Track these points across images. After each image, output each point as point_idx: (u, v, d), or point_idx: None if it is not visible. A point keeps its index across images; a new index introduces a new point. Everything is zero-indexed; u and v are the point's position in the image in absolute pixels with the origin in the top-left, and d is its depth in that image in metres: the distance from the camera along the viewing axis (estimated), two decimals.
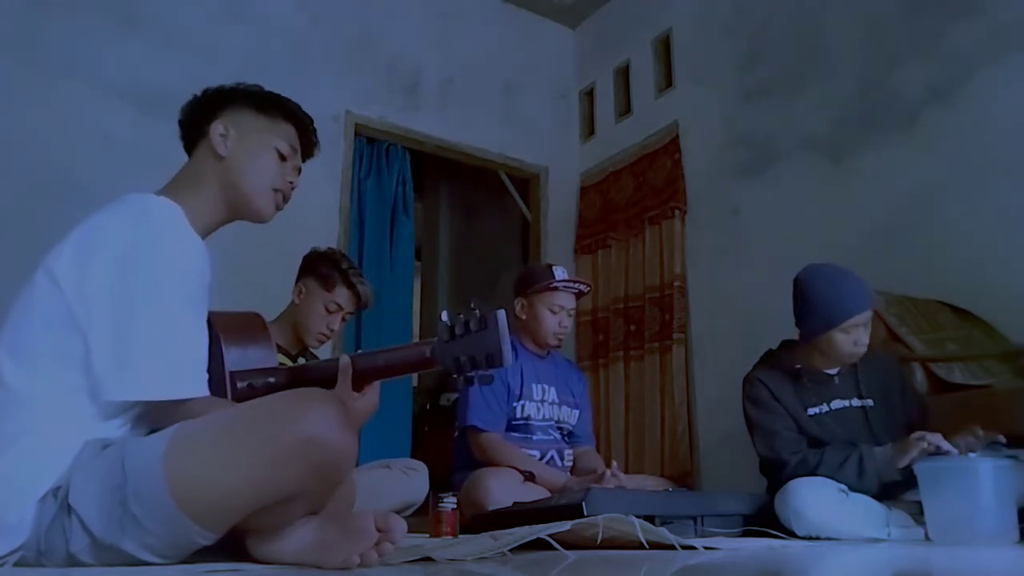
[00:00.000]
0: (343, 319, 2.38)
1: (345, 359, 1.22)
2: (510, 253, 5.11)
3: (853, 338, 2.10)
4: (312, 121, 1.46)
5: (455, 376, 1.13)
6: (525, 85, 4.44)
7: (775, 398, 2.18)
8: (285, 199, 1.42)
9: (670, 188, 3.83)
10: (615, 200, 4.19)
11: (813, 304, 2.12)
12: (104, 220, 1.19)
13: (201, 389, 1.16)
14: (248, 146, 1.36)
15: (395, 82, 3.96)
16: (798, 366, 2.21)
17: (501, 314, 1.10)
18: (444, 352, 1.13)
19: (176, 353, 1.15)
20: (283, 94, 1.45)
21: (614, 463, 2.32)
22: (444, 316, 1.15)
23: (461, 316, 1.12)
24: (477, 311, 1.11)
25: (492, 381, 1.14)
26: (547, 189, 4.45)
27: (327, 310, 2.33)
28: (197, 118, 1.38)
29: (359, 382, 1.24)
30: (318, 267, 2.37)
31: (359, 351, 1.25)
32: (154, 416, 1.18)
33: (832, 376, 2.22)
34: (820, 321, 2.11)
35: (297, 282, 2.40)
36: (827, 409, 2.18)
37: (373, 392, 1.25)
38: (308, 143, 1.46)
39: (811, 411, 2.18)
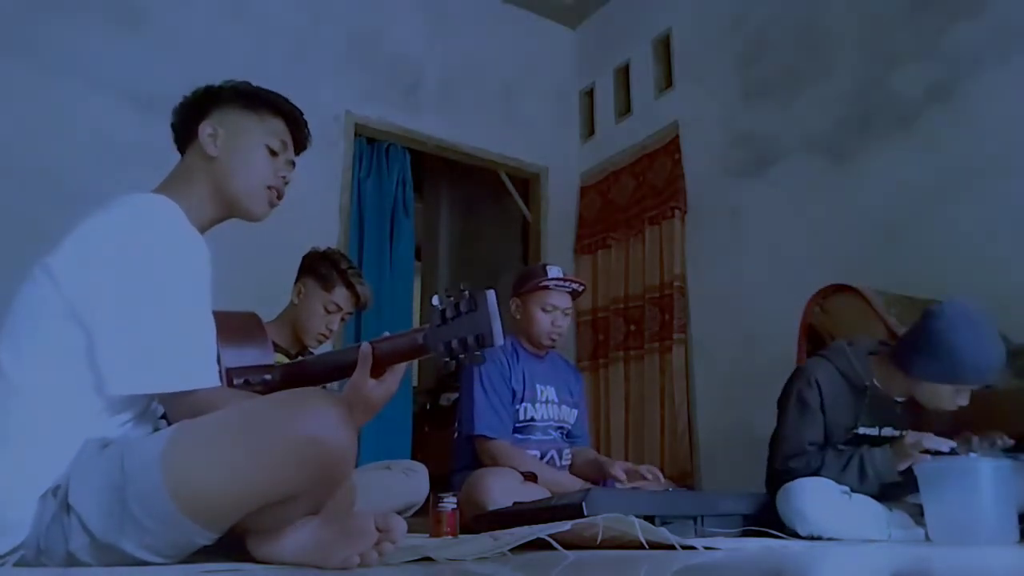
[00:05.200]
0: (342, 319, 2.38)
1: (366, 346, 1.18)
2: (510, 253, 5.11)
3: (958, 397, 1.96)
4: (302, 114, 1.45)
5: (446, 360, 1.11)
6: (525, 85, 4.44)
7: (822, 407, 2.06)
8: (279, 196, 1.40)
9: (670, 188, 3.83)
10: (615, 200, 4.19)
11: (945, 351, 1.90)
12: (104, 218, 1.19)
13: (211, 379, 1.16)
14: (238, 145, 1.35)
15: (395, 82, 3.96)
16: (866, 384, 2.07)
17: (491, 293, 1.09)
18: (436, 338, 1.11)
19: (183, 344, 1.15)
20: (283, 94, 1.45)
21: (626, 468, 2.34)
22: (435, 300, 1.13)
23: (451, 298, 1.11)
24: (466, 292, 1.11)
25: (483, 361, 1.12)
26: (547, 189, 4.45)
27: (326, 310, 2.33)
28: (187, 120, 1.38)
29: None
30: (317, 267, 2.37)
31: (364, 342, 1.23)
32: (169, 411, 1.18)
33: (897, 403, 2.10)
34: (942, 371, 1.92)
35: (296, 282, 2.40)
36: (878, 433, 2.09)
37: (393, 378, 1.19)
38: (299, 136, 1.44)
39: (863, 430, 2.08)
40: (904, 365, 2.01)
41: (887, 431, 2.09)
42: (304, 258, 2.44)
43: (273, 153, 1.38)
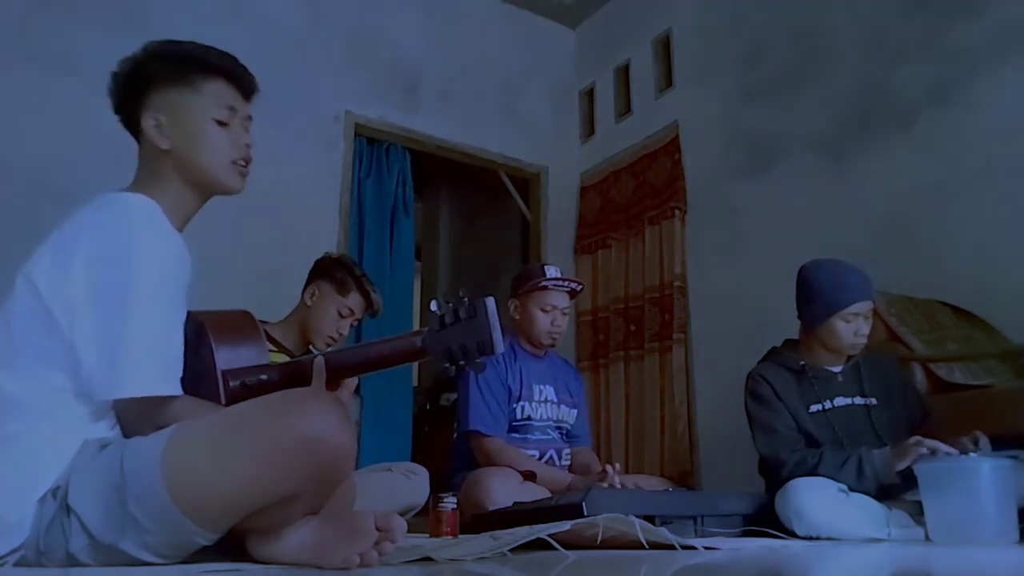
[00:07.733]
0: (352, 324, 2.40)
1: (320, 360, 1.21)
2: (510, 253, 5.11)
3: (854, 327, 2.14)
4: (235, 59, 1.33)
5: (447, 366, 1.12)
6: (525, 85, 4.44)
7: (777, 395, 2.19)
8: (246, 163, 1.32)
9: (670, 188, 3.83)
10: (615, 200, 4.19)
11: (816, 291, 2.17)
12: (81, 221, 1.18)
13: (176, 389, 1.15)
14: (185, 129, 1.27)
15: (395, 82, 3.96)
16: (802, 363, 2.23)
17: (490, 301, 1.10)
18: (435, 342, 1.12)
19: (157, 352, 1.14)
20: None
21: (616, 465, 2.32)
22: (433, 305, 1.14)
23: (451, 305, 1.12)
24: (466, 299, 1.11)
25: (484, 369, 1.13)
26: (547, 189, 4.45)
27: (339, 314, 2.35)
28: (126, 108, 1.30)
29: (340, 377, 1.25)
30: (332, 271, 2.38)
31: (335, 348, 1.25)
32: (132, 417, 1.15)
33: (835, 374, 2.24)
34: (822, 308, 2.15)
35: (309, 284, 2.40)
36: (829, 406, 2.19)
37: (345, 389, 1.26)
38: (244, 87, 1.33)
39: (813, 408, 2.19)
40: (804, 327, 2.25)
41: (839, 401, 2.20)
42: (317, 262, 2.45)
43: (223, 124, 1.29)
